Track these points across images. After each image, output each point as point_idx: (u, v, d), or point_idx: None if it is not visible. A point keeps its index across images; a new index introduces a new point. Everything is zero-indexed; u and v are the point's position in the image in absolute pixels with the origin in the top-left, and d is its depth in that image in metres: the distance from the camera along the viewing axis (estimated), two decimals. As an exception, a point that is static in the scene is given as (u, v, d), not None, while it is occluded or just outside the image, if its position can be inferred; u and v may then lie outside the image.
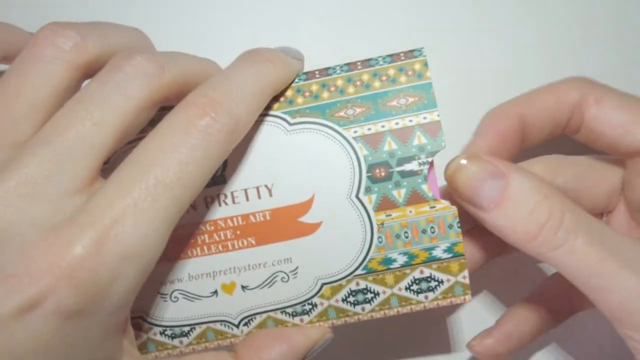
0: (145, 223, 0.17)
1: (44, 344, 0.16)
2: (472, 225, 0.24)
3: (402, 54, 0.21)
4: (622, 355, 0.20)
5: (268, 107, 0.22)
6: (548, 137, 0.24)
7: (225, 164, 0.22)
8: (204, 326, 0.22)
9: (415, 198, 0.21)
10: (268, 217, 0.22)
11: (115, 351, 0.19)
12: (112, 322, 0.18)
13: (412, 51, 0.21)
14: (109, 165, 0.21)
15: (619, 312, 0.19)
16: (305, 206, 0.22)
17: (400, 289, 0.22)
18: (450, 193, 0.21)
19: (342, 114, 0.21)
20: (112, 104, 0.18)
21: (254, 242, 0.22)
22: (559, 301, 0.26)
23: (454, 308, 0.29)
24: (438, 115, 0.21)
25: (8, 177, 0.17)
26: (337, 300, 0.22)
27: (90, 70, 0.19)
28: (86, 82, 0.19)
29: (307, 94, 0.22)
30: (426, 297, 0.22)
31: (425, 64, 0.21)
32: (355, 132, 0.21)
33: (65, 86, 0.18)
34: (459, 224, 0.21)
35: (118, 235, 0.16)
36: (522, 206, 0.20)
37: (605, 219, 0.25)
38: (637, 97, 0.22)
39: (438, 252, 0.21)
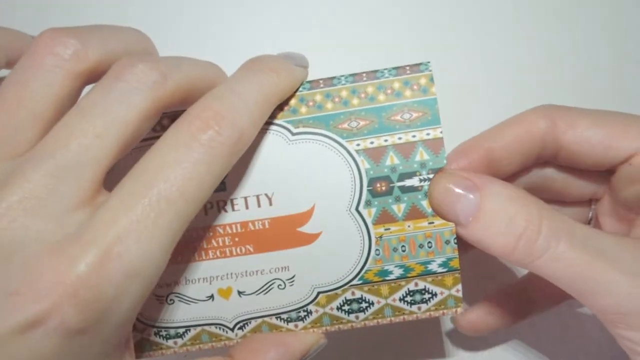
0: (148, 240, 0.17)
1: None
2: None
3: (408, 68, 0.21)
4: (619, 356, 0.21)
5: (271, 116, 0.21)
6: (520, 168, 0.24)
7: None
8: (199, 328, 0.23)
9: (415, 213, 0.21)
10: (267, 226, 0.22)
11: None
12: (115, 338, 0.18)
13: (418, 65, 0.21)
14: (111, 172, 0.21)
15: (611, 314, 0.19)
16: (305, 216, 0.22)
17: (394, 300, 0.22)
18: None
19: (345, 126, 0.21)
20: (114, 115, 0.17)
21: (252, 249, 0.22)
22: (547, 288, 0.26)
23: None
24: (441, 132, 0.21)
25: (11, 192, 0.16)
26: (331, 309, 0.22)
27: (92, 77, 0.19)
28: (88, 87, 0.19)
29: (310, 103, 0.21)
30: (419, 309, 0.22)
31: (431, 79, 0.21)
32: (358, 145, 0.21)
33: (65, 95, 0.18)
34: (455, 240, 0.22)
35: (121, 253, 0.16)
36: (499, 218, 0.20)
37: (593, 207, 0.25)
38: (604, 111, 0.23)
39: (434, 267, 0.22)
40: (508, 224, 0.20)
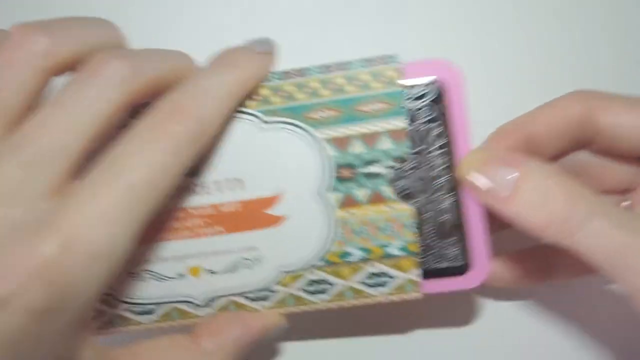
0: (113, 224, 0.18)
1: (11, 339, 0.17)
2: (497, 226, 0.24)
3: (377, 60, 0.23)
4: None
5: (245, 105, 0.22)
6: (556, 153, 0.24)
7: (200, 156, 0.23)
8: (170, 306, 0.23)
9: (377, 198, 0.23)
10: (238, 208, 0.23)
11: (80, 345, 0.20)
12: (78, 318, 0.18)
13: (387, 57, 0.23)
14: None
15: None
16: (273, 200, 0.23)
17: (354, 282, 0.23)
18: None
19: (315, 115, 0.23)
20: (85, 109, 0.18)
21: (223, 230, 0.23)
22: (568, 259, 0.25)
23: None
24: (405, 123, 0.22)
25: None
26: (296, 289, 0.23)
27: (62, 71, 0.20)
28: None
29: (282, 94, 0.23)
30: (378, 292, 0.23)
31: (398, 71, 0.22)
32: (326, 134, 0.23)
33: (37, 90, 0.19)
34: (414, 224, 0.23)
35: (87, 237, 0.17)
36: (537, 194, 0.20)
37: (629, 199, 0.25)
38: (637, 97, 0.23)
39: (393, 250, 0.23)
40: (545, 200, 0.20)
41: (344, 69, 0.23)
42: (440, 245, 0.23)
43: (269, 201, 0.23)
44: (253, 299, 0.23)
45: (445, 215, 0.23)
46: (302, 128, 0.23)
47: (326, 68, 0.23)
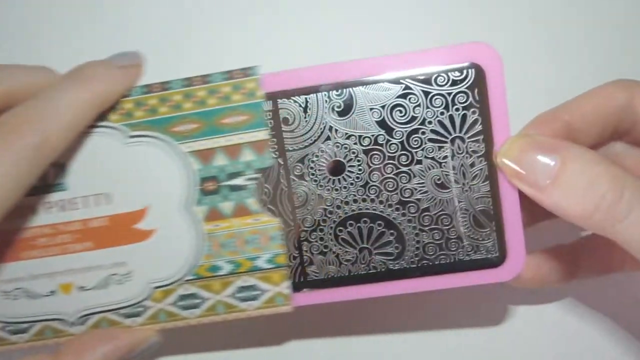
0: None
1: None
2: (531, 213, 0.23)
3: (237, 72, 0.23)
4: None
5: (109, 119, 0.23)
6: (596, 141, 0.24)
7: (65, 171, 0.23)
8: (42, 324, 0.23)
9: (241, 211, 0.23)
10: (106, 223, 0.23)
11: None
12: None
13: (247, 69, 0.23)
14: None
15: None
16: (140, 214, 0.23)
17: (226, 296, 0.23)
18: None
19: (178, 129, 0.23)
20: None
21: (91, 246, 0.23)
22: (594, 256, 0.25)
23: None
24: (266, 134, 0.22)
25: None
26: (167, 304, 0.23)
27: None
28: None
29: (146, 107, 0.23)
30: (250, 305, 0.23)
31: (259, 83, 0.22)
32: (190, 147, 0.23)
33: None
34: (281, 236, 0.23)
35: None
36: (580, 181, 0.19)
37: None
38: None
39: (261, 262, 0.23)
40: (589, 187, 0.19)
41: (205, 82, 0.23)
42: (475, 236, 0.23)
43: (137, 215, 0.23)
44: (125, 315, 0.23)
45: (481, 205, 0.22)
46: (165, 141, 0.23)
47: (189, 81, 0.23)
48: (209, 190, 0.23)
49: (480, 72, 0.22)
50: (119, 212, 0.23)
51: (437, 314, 0.29)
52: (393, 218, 0.23)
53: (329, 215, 0.23)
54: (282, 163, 0.23)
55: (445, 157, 0.22)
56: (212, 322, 0.23)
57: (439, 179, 0.22)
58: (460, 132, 0.22)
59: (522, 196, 0.22)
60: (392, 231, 0.23)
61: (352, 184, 0.23)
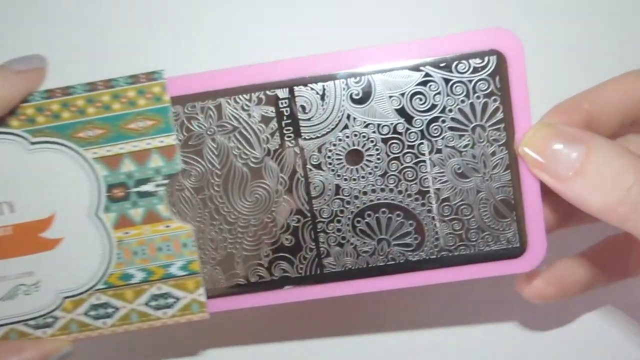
0: None
1: None
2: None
3: (142, 76, 0.22)
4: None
5: (9, 125, 0.22)
6: (616, 130, 0.23)
7: None
8: None
9: (152, 217, 0.22)
10: (10, 232, 0.22)
11: None
12: None
13: (152, 73, 0.22)
14: None
15: None
16: (46, 222, 0.22)
17: (139, 305, 0.23)
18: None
19: (82, 134, 0.22)
20: None
21: None
22: (614, 261, 0.25)
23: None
24: (174, 139, 0.22)
25: None
26: (78, 314, 0.23)
27: None
28: None
29: (47, 113, 0.22)
30: (165, 314, 0.23)
31: (164, 87, 0.22)
32: (95, 153, 0.22)
33: None
34: (193, 243, 0.22)
35: None
36: (605, 172, 0.19)
37: None
38: None
39: (174, 270, 0.22)
40: (614, 179, 0.19)
41: (109, 86, 0.22)
42: (495, 226, 0.22)
43: (43, 224, 0.22)
44: (35, 327, 0.23)
45: (501, 195, 0.22)
46: (70, 147, 0.22)
47: (92, 85, 0.22)
48: (118, 197, 0.22)
49: (501, 59, 0.21)
50: (23, 221, 0.22)
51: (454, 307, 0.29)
52: (412, 208, 0.22)
53: (347, 206, 0.22)
54: (299, 152, 0.22)
55: (466, 145, 0.22)
56: (126, 332, 0.23)
57: (459, 168, 0.22)
58: (481, 120, 0.21)
59: (544, 196, 0.22)
60: (411, 222, 0.22)
61: (370, 173, 0.22)
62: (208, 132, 0.22)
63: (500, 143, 0.22)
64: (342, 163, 0.22)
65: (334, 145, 0.22)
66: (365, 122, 0.22)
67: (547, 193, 0.22)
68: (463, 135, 0.22)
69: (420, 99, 0.21)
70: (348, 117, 0.22)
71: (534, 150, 0.21)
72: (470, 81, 0.21)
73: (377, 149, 0.22)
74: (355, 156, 0.22)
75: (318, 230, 0.22)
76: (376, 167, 0.22)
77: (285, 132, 0.22)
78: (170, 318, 0.23)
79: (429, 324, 0.29)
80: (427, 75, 0.21)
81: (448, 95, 0.21)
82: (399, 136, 0.22)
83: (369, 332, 0.29)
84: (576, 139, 0.20)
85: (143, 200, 0.22)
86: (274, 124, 0.22)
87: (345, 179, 0.22)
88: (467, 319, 0.29)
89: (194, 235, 0.22)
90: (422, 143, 0.22)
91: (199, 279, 0.22)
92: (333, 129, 0.22)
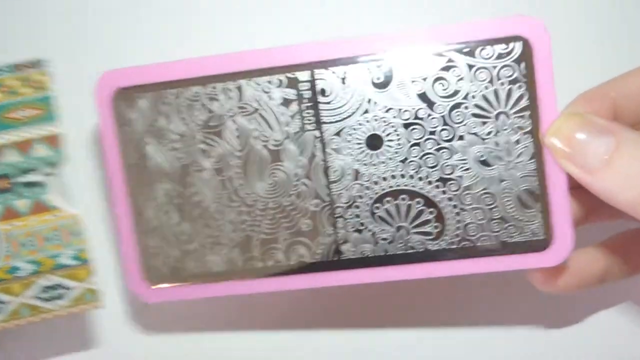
0: None
1: None
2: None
3: (26, 65, 0.22)
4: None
5: None
6: (635, 124, 0.22)
7: None
8: None
9: (39, 208, 0.22)
10: None
11: None
12: None
13: (36, 62, 0.22)
14: None
15: None
16: None
17: (28, 297, 0.22)
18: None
19: None
20: None
21: None
22: (638, 253, 0.24)
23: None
24: (58, 128, 0.22)
25: None
26: None
27: None
28: None
29: None
30: (56, 305, 0.22)
31: (49, 76, 0.22)
32: None
33: None
34: (82, 231, 0.22)
35: None
36: (635, 167, 0.18)
37: None
38: None
39: (64, 259, 0.22)
40: None
41: None
42: (519, 217, 0.21)
43: None
44: None
45: (525, 185, 0.21)
46: None
47: None
48: (2, 189, 0.22)
49: (527, 46, 0.20)
50: None
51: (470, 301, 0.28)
52: (433, 196, 0.21)
53: (366, 191, 0.22)
54: (319, 136, 0.21)
55: (489, 132, 0.21)
56: (17, 327, 0.22)
57: (482, 156, 0.21)
58: (505, 107, 0.21)
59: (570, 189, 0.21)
60: (431, 209, 0.22)
61: (390, 159, 0.21)
62: (229, 113, 0.22)
63: (525, 131, 0.21)
64: (362, 148, 0.22)
65: (354, 129, 0.22)
66: (386, 106, 0.21)
67: (572, 186, 0.21)
68: (486, 122, 0.21)
69: (443, 85, 0.21)
70: (369, 101, 0.21)
71: (561, 141, 0.20)
72: (494, 67, 0.21)
73: (397, 135, 0.21)
74: (375, 141, 0.22)
75: (336, 215, 0.22)
76: (396, 152, 0.21)
77: (305, 115, 0.22)
78: (62, 309, 0.22)
79: (433, 318, 0.29)
80: (450, 60, 0.21)
81: (471, 81, 0.21)
82: (420, 122, 0.21)
83: (370, 327, 0.29)
84: (605, 130, 0.19)
85: (29, 190, 0.22)
86: (294, 107, 0.22)
87: (365, 164, 0.22)
88: (472, 316, 0.29)
89: (82, 223, 0.22)
90: (444, 129, 0.21)
91: (90, 267, 0.22)
92: (353, 113, 0.21)
